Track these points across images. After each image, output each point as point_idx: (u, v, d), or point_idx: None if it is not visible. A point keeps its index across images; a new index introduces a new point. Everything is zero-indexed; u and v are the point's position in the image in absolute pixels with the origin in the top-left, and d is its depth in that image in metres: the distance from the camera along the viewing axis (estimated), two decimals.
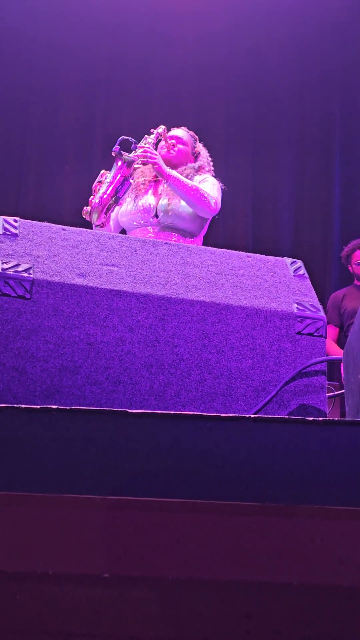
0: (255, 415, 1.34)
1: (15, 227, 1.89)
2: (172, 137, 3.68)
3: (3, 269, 1.76)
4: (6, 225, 1.88)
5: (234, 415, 1.30)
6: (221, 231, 5.70)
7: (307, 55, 6.10)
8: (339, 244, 5.79)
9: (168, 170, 3.45)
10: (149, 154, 3.40)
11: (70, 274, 1.81)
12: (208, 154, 3.85)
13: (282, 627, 1.21)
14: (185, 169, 3.63)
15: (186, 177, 3.55)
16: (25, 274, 1.76)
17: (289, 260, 2.09)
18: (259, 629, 1.21)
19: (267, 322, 1.87)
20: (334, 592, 1.20)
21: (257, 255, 2.09)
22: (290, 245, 5.86)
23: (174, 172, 3.45)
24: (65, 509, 1.20)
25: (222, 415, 1.29)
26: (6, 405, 1.29)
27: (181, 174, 3.54)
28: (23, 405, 1.28)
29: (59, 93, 6.05)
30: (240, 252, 2.08)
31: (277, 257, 2.10)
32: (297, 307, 1.91)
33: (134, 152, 3.38)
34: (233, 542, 1.21)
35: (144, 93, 6.12)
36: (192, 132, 3.85)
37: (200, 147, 3.84)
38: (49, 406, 1.28)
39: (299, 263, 2.09)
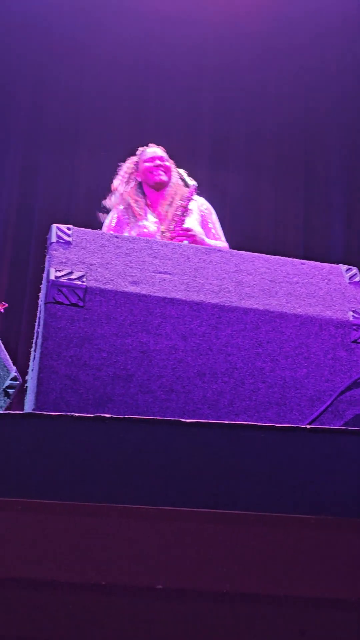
0: (311, 426, 1.32)
1: (68, 235, 1.89)
2: (157, 158, 3.63)
3: (56, 277, 1.76)
4: (59, 233, 1.89)
5: (289, 425, 1.28)
6: (273, 240, 5.67)
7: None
8: None
9: (207, 240, 3.41)
10: (189, 235, 3.34)
11: (123, 281, 1.80)
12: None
13: None
14: (179, 192, 3.55)
15: (182, 199, 3.50)
16: (78, 282, 1.76)
17: (344, 267, 2.06)
18: None
19: (321, 330, 1.84)
20: None
21: (312, 262, 2.06)
22: (342, 252, 5.79)
23: (204, 238, 3.39)
24: (119, 519, 1.19)
25: (277, 425, 1.27)
26: (60, 413, 1.29)
27: (176, 196, 3.52)
28: (76, 414, 1.28)
29: (110, 102, 6.10)
30: (294, 259, 2.05)
31: (332, 264, 2.07)
32: (352, 315, 1.88)
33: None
34: (286, 556, 1.18)
35: (192, 109, 6.12)
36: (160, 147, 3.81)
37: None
38: (102, 415, 1.28)
39: (355, 270, 2.05)
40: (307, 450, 1.27)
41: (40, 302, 1.87)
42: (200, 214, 3.53)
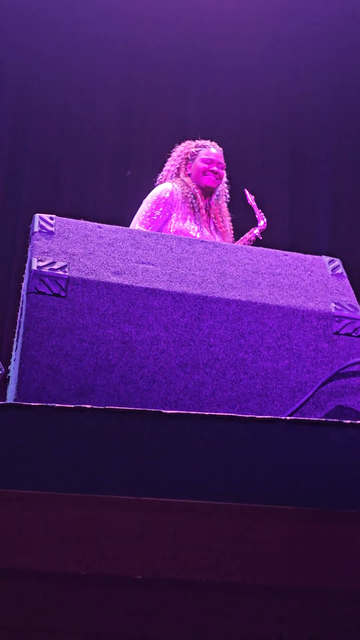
0: (291, 418, 1.32)
1: (51, 225, 1.88)
2: (216, 164, 3.52)
3: (38, 267, 1.75)
4: (42, 223, 1.88)
5: (269, 417, 1.28)
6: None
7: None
8: None
9: None
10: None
11: (105, 272, 1.80)
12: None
13: (318, 633, 1.19)
14: (222, 206, 3.60)
15: (250, 232, 3.66)
16: (60, 272, 1.75)
17: (327, 258, 2.06)
18: (293, 634, 1.19)
19: (304, 321, 1.84)
20: None
21: (295, 253, 2.06)
22: (328, 243, 5.80)
23: None
24: (99, 509, 1.19)
25: (257, 417, 1.27)
26: (40, 404, 1.28)
27: (216, 207, 3.55)
28: (57, 405, 1.28)
29: (96, 92, 6.07)
30: (278, 251, 2.05)
31: (315, 256, 2.07)
32: (334, 307, 1.88)
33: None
34: (266, 547, 1.19)
35: (180, 96, 6.11)
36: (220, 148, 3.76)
37: None
38: (82, 405, 1.27)
39: (337, 262, 2.05)
40: (287, 441, 1.27)
41: (23, 292, 1.86)
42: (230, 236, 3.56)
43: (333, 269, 2.01)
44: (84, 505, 1.20)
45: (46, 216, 1.91)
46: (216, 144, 3.64)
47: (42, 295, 1.72)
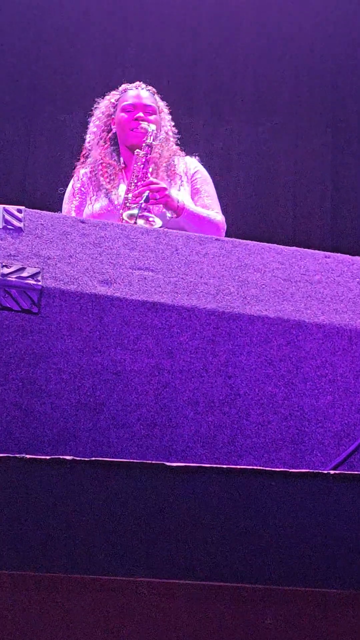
0: (336, 472, 1.32)
1: (19, 220, 1.89)
2: (140, 108, 3.35)
3: (3, 275, 1.77)
4: (7, 217, 1.89)
5: (307, 471, 1.28)
6: (290, 224, 5.68)
7: None
8: None
9: (179, 201, 3.21)
10: (157, 189, 3.22)
11: (90, 280, 1.81)
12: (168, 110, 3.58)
13: None
14: (164, 154, 3.42)
15: (173, 168, 3.44)
16: (31, 281, 1.77)
17: None
18: None
19: (352, 344, 1.85)
20: None
21: (339, 255, 2.07)
22: None
23: (185, 203, 3.23)
24: (80, 594, 1.19)
25: (291, 470, 1.28)
26: (6, 455, 1.29)
27: (161, 159, 3.37)
28: (28, 456, 1.28)
29: (73, 47, 6.18)
30: (316, 252, 2.06)
31: None
32: None
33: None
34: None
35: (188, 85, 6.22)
36: (150, 87, 3.55)
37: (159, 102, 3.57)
38: (61, 457, 1.28)
39: None
40: (331, 502, 1.27)
41: None
42: (189, 178, 3.37)
43: None
44: (63, 588, 1.21)
45: (12, 208, 1.92)
46: (140, 84, 3.52)
47: (7, 312, 1.73)
